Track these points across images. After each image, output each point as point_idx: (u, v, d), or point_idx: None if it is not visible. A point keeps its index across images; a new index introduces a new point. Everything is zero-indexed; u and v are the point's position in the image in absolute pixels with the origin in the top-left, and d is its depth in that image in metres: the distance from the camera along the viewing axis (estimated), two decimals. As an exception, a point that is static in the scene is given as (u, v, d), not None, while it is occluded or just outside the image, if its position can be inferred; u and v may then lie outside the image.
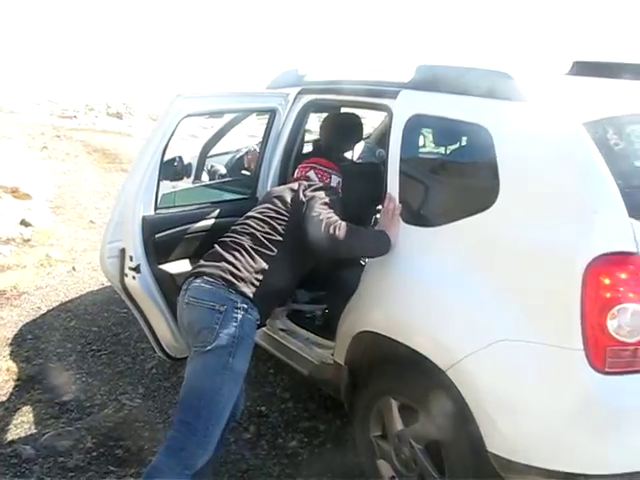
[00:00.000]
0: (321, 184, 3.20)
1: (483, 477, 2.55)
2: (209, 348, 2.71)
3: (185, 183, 4.46)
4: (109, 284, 3.86)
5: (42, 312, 5.34)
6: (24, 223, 7.39)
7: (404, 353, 2.71)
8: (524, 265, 2.39)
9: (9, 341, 4.80)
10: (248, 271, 2.85)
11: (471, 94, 2.73)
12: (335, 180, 3.37)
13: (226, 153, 5.27)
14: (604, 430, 2.27)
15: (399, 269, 2.85)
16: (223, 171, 4.86)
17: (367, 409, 3.06)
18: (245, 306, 2.79)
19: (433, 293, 2.68)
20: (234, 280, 2.81)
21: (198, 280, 2.86)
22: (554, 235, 2.30)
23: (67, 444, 3.59)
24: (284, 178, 3.70)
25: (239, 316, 2.76)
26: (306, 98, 3.68)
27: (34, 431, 3.74)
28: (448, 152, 3.63)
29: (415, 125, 3.05)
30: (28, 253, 6.66)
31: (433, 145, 3.84)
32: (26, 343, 4.79)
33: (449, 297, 2.61)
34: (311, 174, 3.33)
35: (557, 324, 2.28)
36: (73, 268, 6.31)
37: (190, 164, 4.62)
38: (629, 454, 2.29)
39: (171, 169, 4.23)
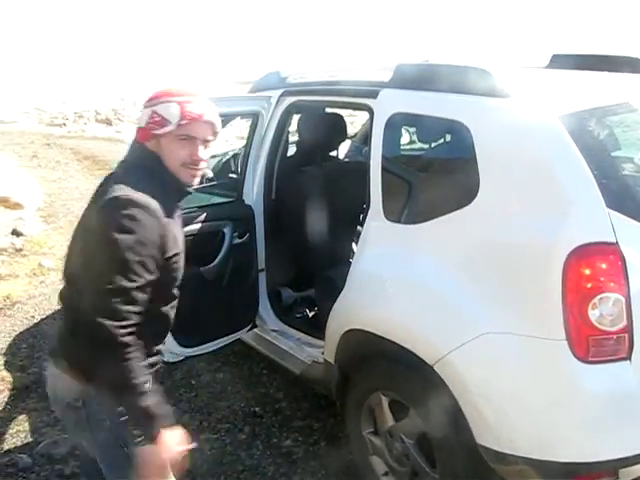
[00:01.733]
0: (124, 189, 1.92)
1: (474, 468, 2.58)
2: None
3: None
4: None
5: (36, 321, 5.35)
6: (15, 233, 7.40)
7: (392, 349, 2.73)
8: (505, 259, 2.42)
9: (3, 351, 4.80)
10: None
11: (450, 91, 2.76)
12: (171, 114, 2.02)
13: (213, 156, 5.28)
14: (590, 419, 2.30)
15: (384, 266, 2.87)
16: (210, 174, 4.89)
17: (358, 406, 3.08)
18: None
19: (418, 289, 2.71)
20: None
21: None
22: (534, 228, 2.33)
23: (63, 451, 3.59)
24: (269, 180, 3.72)
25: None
26: (288, 100, 3.70)
27: (30, 440, 3.75)
28: (430, 149, 3.66)
29: (396, 123, 3.07)
30: (20, 263, 6.67)
31: (417, 142, 3.87)
32: (20, 352, 4.79)
33: (433, 293, 2.63)
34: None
35: (539, 316, 2.31)
36: (66, 276, 6.31)
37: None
38: (615, 441, 2.32)
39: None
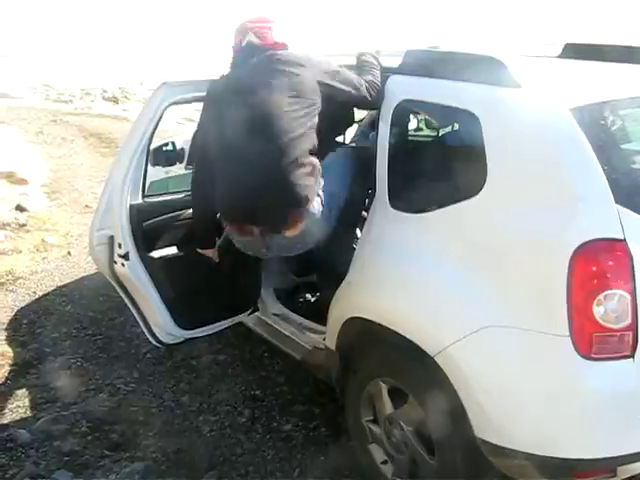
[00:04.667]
0: (288, 55, 2.82)
1: (473, 461, 2.57)
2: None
3: (178, 168, 4.45)
4: (103, 269, 3.86)
5: (37, 297, 5.36)
6: (19, 208, 7.39)
7: (393, 339, 2.71)
8: (510, 252, 2.39)
9: (4, 326, 4.82)
10: None
11: (460, 79, 2.72)
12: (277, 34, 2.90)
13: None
14: (590, 416, 2.28)
15: (388, 255, 2.85)
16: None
17: (358, 394, 3.08)
18: None
19: (420, 280, 2.68)
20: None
21: None
22: (541, 222, 2.30)
23: (62, 428, 3.61)
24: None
25: None
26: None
27: (30, 415, 3.77)
28: (438, 138, 3.62)
29: (404, 110, 3.04)
30: (24, 238, 6.66)
31: (425, 129, 3.83)
32: (22, 328, 4.81)
33: (436, 284, 2.61)
34: (251, 38, 2.84)
35: (543, 310, 2.28)
36: (68, 253, 6.32)
37: (183, 149, 4.60)
38: (615, 439, 2.30)
39: (163, 155, 4.22)
